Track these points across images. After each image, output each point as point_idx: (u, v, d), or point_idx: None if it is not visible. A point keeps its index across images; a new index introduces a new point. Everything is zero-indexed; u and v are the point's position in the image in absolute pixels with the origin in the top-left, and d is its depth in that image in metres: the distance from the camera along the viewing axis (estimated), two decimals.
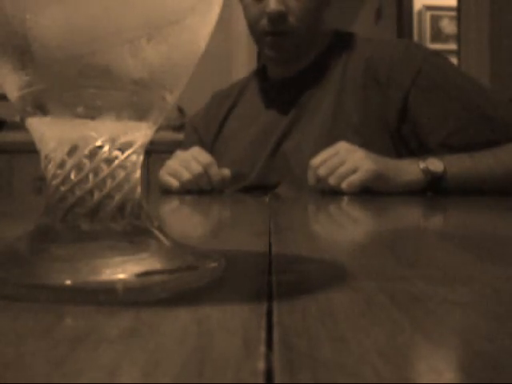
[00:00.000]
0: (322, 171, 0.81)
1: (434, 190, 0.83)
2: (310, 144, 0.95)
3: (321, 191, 0.84)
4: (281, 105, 1.03)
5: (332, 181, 0.80)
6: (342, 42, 1.02)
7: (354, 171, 0.80)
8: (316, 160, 0.83)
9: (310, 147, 0.93)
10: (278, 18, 0.93)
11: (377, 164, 0.81)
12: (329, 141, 0.91)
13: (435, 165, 0.82)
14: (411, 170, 0.83)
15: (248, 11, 0.98)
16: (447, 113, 0.90)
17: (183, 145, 1.13)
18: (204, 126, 1.15)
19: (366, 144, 0.88)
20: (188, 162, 0.94)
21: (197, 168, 0.92)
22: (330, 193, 0.82)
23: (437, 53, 1.01)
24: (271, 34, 0.95)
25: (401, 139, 0.94)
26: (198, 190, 0.93)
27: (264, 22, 0.94)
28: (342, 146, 0.83)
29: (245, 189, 1.02)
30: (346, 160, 0.81)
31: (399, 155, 0.92)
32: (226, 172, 0.95)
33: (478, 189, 0.84)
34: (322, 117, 0.97)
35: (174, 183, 0.94)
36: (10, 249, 0.19)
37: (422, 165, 0.82)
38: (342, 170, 0.80)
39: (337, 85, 0.98)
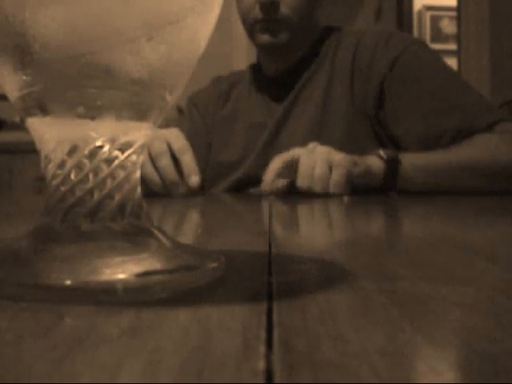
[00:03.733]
0: (301, 182, 0.78)
1: (393, 177, 0.81)
2: (300, 136, 0.96)
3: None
4: (274, 100, 1.05)
5: (318, 188, 0.77)
6: (331, 35, 1.04)
7: (330, 169, 0.78)
8: (275, 165, 0.81)
9: (301, 139, 0.94)
10: (270, 7, 0.94)
11: (340, 153, 0.80)
12: (318, 132, 0.92)
13: (389, 151, 0.83)
14: (369, 156, 0.83)
15: (241, 1, 0.99)
16: (414, 102, 0.91)
17: (181, 120, 1.11)
18: (204, 106, 1.14)
19: (350, 133, 0.89)
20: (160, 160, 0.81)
21: (171, 174, 0.81)
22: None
23: (420, 42, 1.02)
24: (263, 21, 0.96)
25: (381, 126, 0.95)
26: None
27: (256, 11, 0.96)
28: (299, 150, 0.81)
29: (237, 182, 1.02)
30: (315, 161, 0.78)
31: (381, 143, 0.93)
32: (194, 180, 0.82)
33: (439, 184, 0.83)
34: (312, 109, 0.99)
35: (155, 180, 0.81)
36: (10, 249, 0.19)
37: (377, 152, 0.83)
38: (318, 171, 0.77)
39: (326, 77, 1.00)
